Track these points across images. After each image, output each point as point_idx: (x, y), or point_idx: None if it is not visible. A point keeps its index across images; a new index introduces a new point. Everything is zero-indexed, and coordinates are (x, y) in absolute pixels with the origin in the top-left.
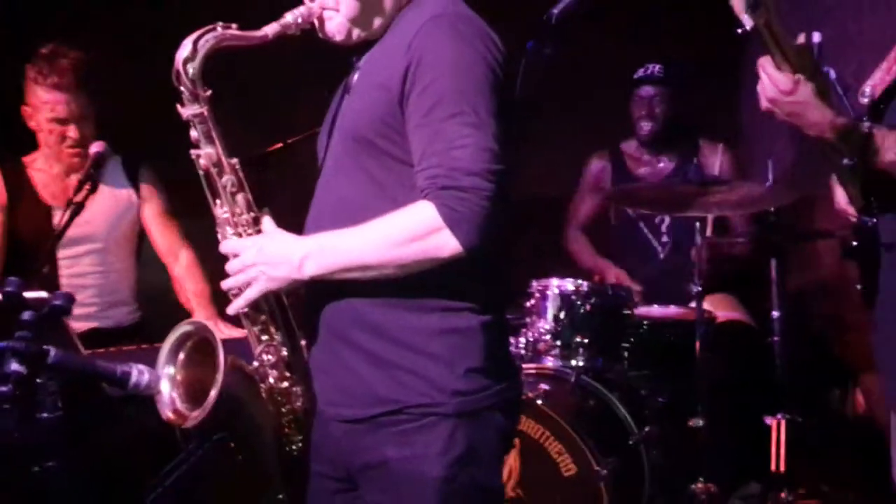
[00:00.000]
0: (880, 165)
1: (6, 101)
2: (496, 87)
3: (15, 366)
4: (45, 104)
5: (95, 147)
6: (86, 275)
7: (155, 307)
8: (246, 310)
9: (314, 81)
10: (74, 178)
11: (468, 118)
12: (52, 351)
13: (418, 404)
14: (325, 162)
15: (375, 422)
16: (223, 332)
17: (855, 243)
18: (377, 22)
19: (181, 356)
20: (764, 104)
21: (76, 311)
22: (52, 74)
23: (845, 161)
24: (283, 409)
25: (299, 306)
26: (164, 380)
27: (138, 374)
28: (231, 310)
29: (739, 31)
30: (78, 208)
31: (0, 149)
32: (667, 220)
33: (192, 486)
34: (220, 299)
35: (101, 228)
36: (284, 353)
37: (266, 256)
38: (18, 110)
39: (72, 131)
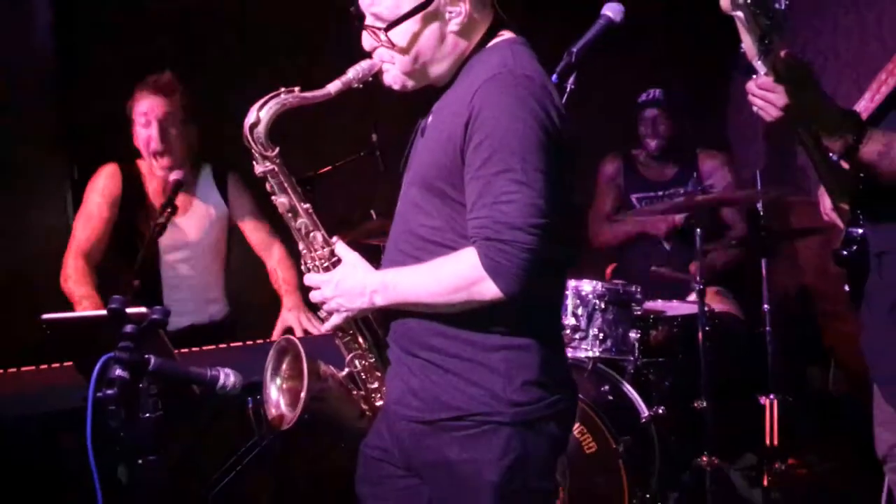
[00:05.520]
0: (864, 155)
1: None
2: (547, 144)
3: (119, 372)
4: (138, 109)
5: (175, 175)
6: (184, 276)
7: (240, 306)
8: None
9: (356, 110)
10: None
11: (516, 175)
12: (153, 359)
13: (479, 412)
14: (402, 195)
15: (439, 425)
16: (308, 320)
17: (845, 252)
18: (434, 73)
19: (284, 367)
20: (774, 113)
21: (178, 307)
22: (150, 84)
23: (833, 157)
24: (377, 405)
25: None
26: (273, 387)
27: (225, 377)
28: (321, 331)
29: (754, 76)
30: (161, 230)
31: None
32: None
33: (262, 470)
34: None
35: (195, 236)
36: (372, 358)
37: (342, 290)
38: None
39: (154, 130)
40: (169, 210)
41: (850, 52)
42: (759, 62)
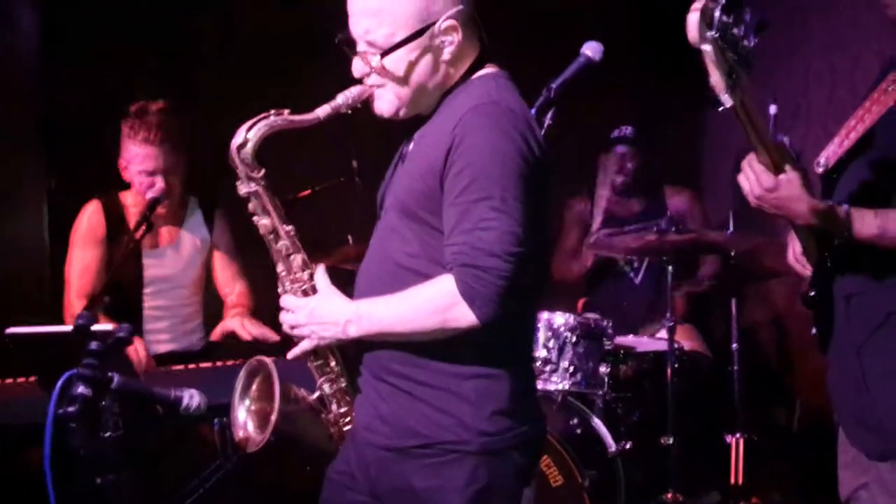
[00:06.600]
0: (860, 239)
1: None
2: (526, 174)
3: (81, 389)
4: (135, 157)
5: (151, 193)
6: (166, 307)
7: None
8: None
9: (333, 134)
10: (162, 227)
11: (495, 202)
12: (116, 377)
13: (447, 441)
14: (380, 220)
15: (406, 452)
16: (250, 324)
17: (812, 294)
18: (423, 102)
19: (253, 388)
20: (753, 201)
21: (157, 336)
22: (141, 130)
23: (837, 241)
24: (345, 429)
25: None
26: (241, 409)
27: (189, 397)
28: (290, 356)
29: (721, 109)
30: (136, 246)
31: (99, 186)
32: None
33: (226, 491)
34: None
35: (181, 270)
36: (343, 383)
37: (316, 318)
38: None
39: (159, 182)
40: (144, 227)
41: (822, 98)
42: (726, 96)
